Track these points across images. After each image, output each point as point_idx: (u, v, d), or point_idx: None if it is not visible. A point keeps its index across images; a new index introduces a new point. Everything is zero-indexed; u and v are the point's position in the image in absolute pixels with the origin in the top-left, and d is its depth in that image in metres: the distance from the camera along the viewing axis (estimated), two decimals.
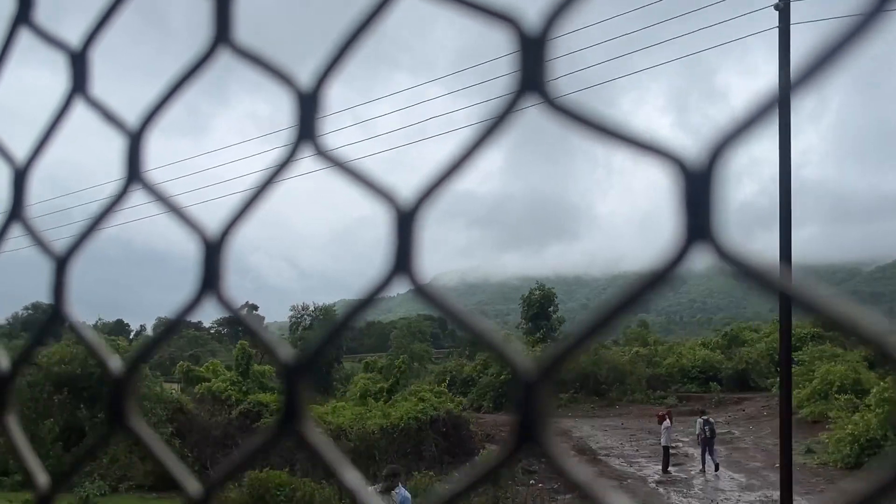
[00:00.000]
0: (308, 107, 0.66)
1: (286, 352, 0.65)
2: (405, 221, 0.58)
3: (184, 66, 0.77)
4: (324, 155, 0.65)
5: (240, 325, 0.67)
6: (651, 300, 0.47)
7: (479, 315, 0.54)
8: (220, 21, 0.74)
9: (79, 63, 0.87)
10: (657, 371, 43.92)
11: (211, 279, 0.71)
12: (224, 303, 0.69)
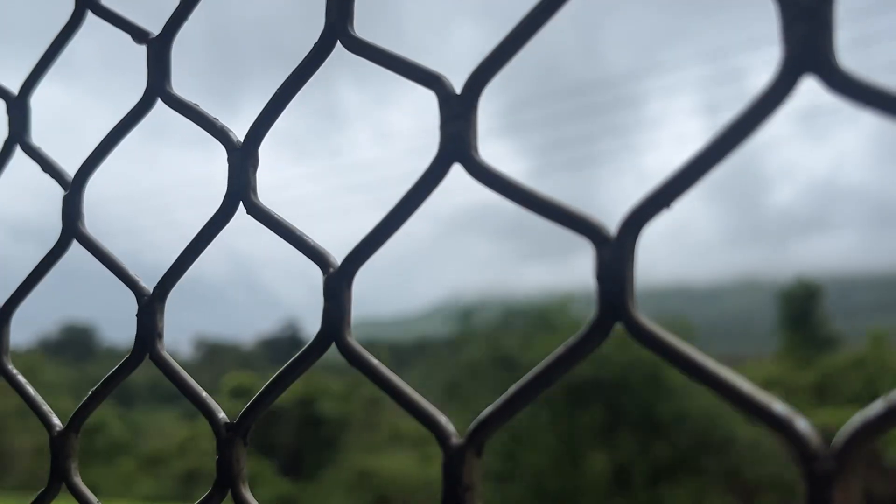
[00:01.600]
0: (241, 162, 0.66)
1: (222, 415, 0.64)
2: (335, 285, 0.58)
3: (121, 118, 0.76)
4: (256, 212, 0.65)
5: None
6: (567, 375, 0.47)
7: (402, 380, 0.54)
8: (156, 72, 0.74)
9: (16, 109, 0.86)
10: None
11: (147, 337, 0.70)
12: (158, 362, 0.69)
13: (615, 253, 0.45)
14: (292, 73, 0.63)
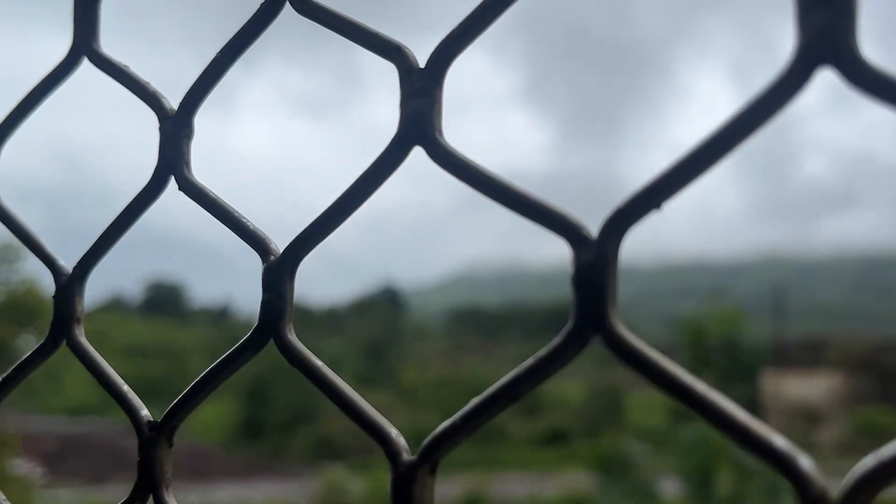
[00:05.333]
0: (174, 132, 0.59)
1: (145, 412, 0.58)
2: (276, 275, 0.52)
3: (43, 78, 0.68)
4: (189, 189, 0.58)
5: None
6: (538, 387, 0.42)
7: (347, 385, 0.48)
8: (82, 28, 0.66)
9: None
10: None
11: (65, 322, 0.63)
12: (76, 350, 0.62)
13: (595, 257, 0.40)
14: (235, 35, 0.57)
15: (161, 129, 0.60)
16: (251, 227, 0.55)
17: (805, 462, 0.33)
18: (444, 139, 0.46)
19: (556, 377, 0.41)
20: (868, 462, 0.32)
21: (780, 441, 0.34)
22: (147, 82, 0.62)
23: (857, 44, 0.35)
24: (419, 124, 0.47)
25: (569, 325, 0.40)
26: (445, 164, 0.46)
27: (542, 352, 0.41)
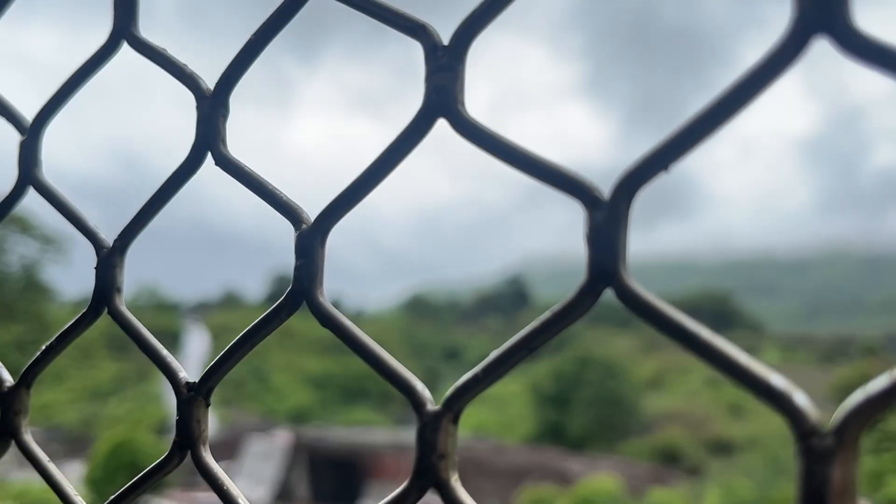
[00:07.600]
0: (210, 111, 0.63)
1: (183, 374, 0.62)
2: (308, 242, 0.55)
3: (84, 62, 0.72)
4: (225, 164, 0.62)
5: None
6: (555, 338, 0.45)
7: (377, 344, 0.51)
8: (122, 12, 0.70)
9: None
10: None
11: (105, 291, 0.67)
12: (117, 317, 0.66)
13: (608, 216, 0.43)
14: (269, 18, 0.60)
15: (198, 108, 0.63)
16: (284, 198, 0.58)
17: (800, 398, 0.36)
18: (466, 111, 0.49)
19: None
20: (857, 397, 0.35)
21: (777, 379, 0.37)
22: (184, 64, 0.66)
23: (850, 13, 0.37)
24: (443, 97, 0.50)
25: (583, 280, 0.43)
26: (467, 134, 0.49)
27: (558, 305, 0.44)
